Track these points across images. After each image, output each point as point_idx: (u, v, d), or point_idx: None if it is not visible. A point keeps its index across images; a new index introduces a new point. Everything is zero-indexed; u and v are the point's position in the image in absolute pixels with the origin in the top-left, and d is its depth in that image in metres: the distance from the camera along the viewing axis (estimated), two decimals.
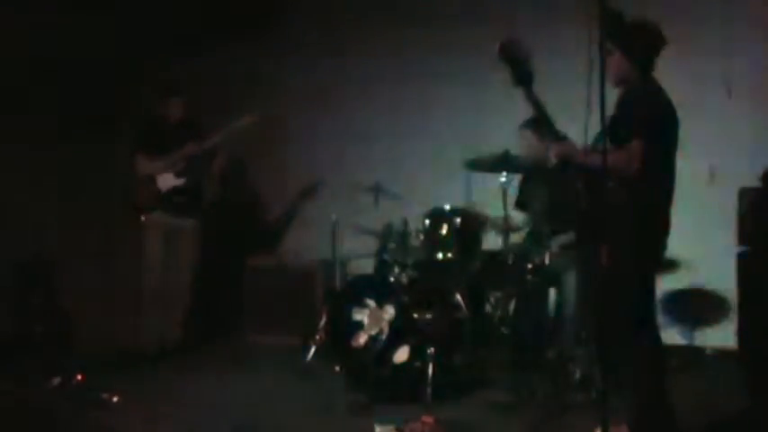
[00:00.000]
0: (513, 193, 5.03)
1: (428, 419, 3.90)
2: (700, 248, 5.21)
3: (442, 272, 4.89)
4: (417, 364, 4.37)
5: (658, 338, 3.53)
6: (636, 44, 3.50)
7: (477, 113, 6.13)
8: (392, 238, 5.01)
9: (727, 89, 5.39)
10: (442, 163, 5.93)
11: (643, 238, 3.42)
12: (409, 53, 6.51)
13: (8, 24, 5.66)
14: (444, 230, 4.85)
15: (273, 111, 6.20)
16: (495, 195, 4.88)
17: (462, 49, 6.13)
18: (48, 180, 6.08)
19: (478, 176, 5.53)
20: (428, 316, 4.60)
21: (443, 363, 4.39)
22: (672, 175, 3.51)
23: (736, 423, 4.04)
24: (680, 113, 3.51)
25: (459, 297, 4.75)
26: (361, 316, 4.64)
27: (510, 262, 4.65)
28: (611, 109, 3.27)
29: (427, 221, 4.90)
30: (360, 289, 4.76)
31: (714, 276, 5.34)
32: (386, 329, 4.53)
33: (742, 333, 4.57)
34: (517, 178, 5.10)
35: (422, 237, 4.87)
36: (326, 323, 5.19)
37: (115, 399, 4.38)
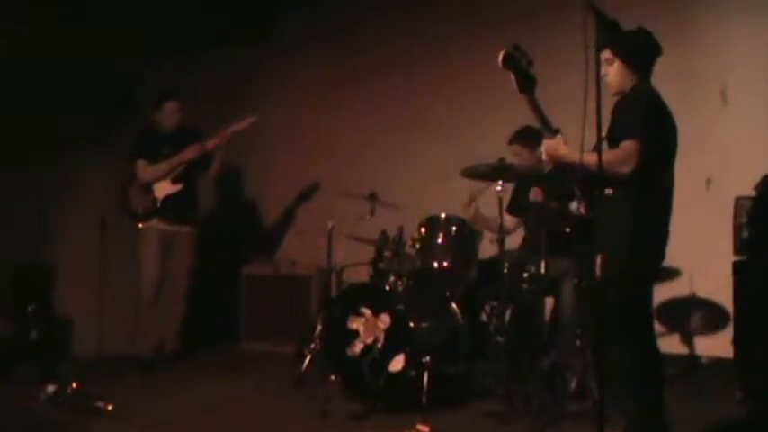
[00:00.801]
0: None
1: (424, 428, 3.89)
2: (696, 257, 5.20)
3: (438, 280, 4.88)
4: (413, 372, 4.35)
5: (656, 347, 3.52)
6: (634, 53, 3.52)
7: (474, 121, 6.14)
8: (388, 246, 4.99)
9: (723, 96, 5.39)
10: (438, 171, 5.92)
11: (640, 247, 3.41)
12: (407, 60, 6.53)
13: (8, 25, 5.68)
14: (440, 239, 4.84)
15: (270, 118, 6.21)
16: (490, 203, 4.88)
17: (459, 55, 6.14)
18: (45, 186, 6.08)
19: (474, 185, 5.52)
20: (424, 325, 4.58)
21: (439, 371, 4.37)
22: (670, 184, 3.51)
23: None
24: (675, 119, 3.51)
25: (454, 306, 4.74)
26: (356, 324, 4.63)
27: (506, 270, 4.64)
28: (606, 116, 3.28)
29: (423, 230, 4.90)
30: (355, 297, 4.75)
31: (711, 285, 5.33)
32: (381, 338, 4.52)
33: (738, 342, 4.56)
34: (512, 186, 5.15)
35: (417, 245, 4.85)
36: (322, 331, 5.17)
37: (110, 407, 4.35)
